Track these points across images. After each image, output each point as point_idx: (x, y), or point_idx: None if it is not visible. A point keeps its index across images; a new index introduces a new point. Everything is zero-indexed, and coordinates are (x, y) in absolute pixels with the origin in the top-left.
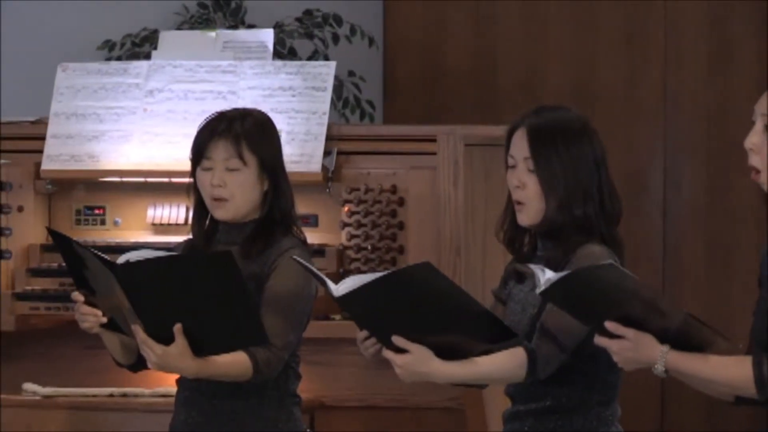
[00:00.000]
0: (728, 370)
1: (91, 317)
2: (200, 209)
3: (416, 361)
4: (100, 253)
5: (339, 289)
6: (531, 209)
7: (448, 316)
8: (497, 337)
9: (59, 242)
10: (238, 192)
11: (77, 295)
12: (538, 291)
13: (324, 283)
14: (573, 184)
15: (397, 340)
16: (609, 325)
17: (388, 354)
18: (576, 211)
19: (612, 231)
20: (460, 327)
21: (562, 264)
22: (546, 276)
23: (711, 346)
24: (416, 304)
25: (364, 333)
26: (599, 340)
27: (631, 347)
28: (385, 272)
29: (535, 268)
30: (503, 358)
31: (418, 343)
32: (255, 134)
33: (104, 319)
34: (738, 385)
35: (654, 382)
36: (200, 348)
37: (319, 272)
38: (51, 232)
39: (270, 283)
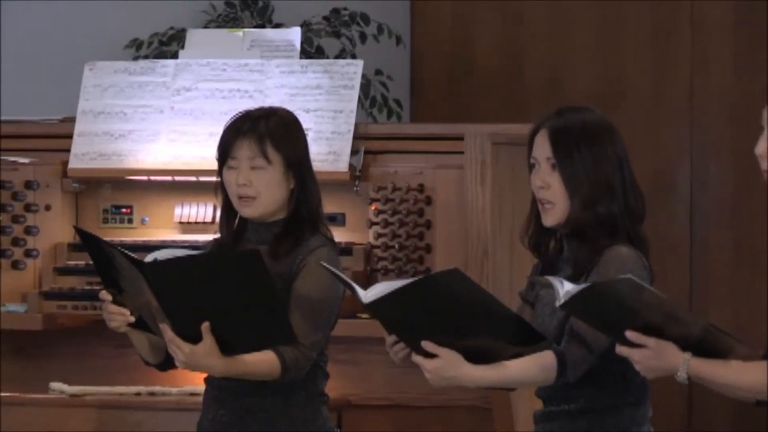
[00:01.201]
0: (748, 376)
1: (119, 316)
2: (228, 208)
3: (446, 365)
4: (128, 252)
5: (368, 295)
6: (556, 209)
7: (477, 321)
8: (526, 340)
9: (87, 241)
10: (264, 190)
11: (105, 294)
12: (557, 304)
13: (353, 289)
14: (597, 183)
15: (427, 345)
16: (630, 334)
17: (417, 359)
18: (600, 209)
19: (637, 229)
20: (489, 331)
21: (589, 266)
22: (565, 289)
23: (731, 353)
24: (445, 310)
25: (393, 338)
26: (621, 350)
27: (653, 356)
28: (414, 279)
29: (554, 281)
30: (533, 361)
31: (447, 348)
32: (280, 133)
33: (132, 318)
34: (758, 389)
35: (681, 383)
36: (228, 346)
37: (347, 279)
38: (78, 230)
39: (298, 282)
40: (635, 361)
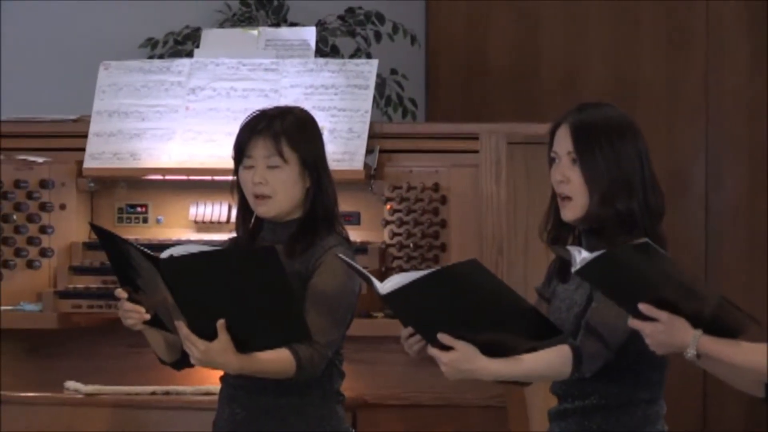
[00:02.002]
0: (759, 356)
1: (134, 314)
2: (244, 208)
3: (462, 358)
4: (143, 248)
5: (385, 286)
6: (575, 204)
7: (494, 314)
8: (543, 334)
9: (103, 238)
10: (279, 189)
11: (121, 292)
12: (573, 270)
13: (369, 281)
14: (616, 179)
15: (443, 338)
16: (643, 307)
17: (433, 351)
18: (619, 205)
19: (655, 226)
20: (506, 324)
21: None
22: (582, 255)
23: (744, 332)
24: (462, 302)
25: (408, 330)
26: (633, 323)
27: (664, 330)
28: (432, 270)
29: (573, 249)
30: (548, 355)
31: (463, 341)
32: (295, 132)
33: (148, 316)
34: (761, 371)
35: (696, 381)
36: (243, 344)
37: (363, 270)
38: (94, 227)
39: (314, 280)
40: (646, 334)
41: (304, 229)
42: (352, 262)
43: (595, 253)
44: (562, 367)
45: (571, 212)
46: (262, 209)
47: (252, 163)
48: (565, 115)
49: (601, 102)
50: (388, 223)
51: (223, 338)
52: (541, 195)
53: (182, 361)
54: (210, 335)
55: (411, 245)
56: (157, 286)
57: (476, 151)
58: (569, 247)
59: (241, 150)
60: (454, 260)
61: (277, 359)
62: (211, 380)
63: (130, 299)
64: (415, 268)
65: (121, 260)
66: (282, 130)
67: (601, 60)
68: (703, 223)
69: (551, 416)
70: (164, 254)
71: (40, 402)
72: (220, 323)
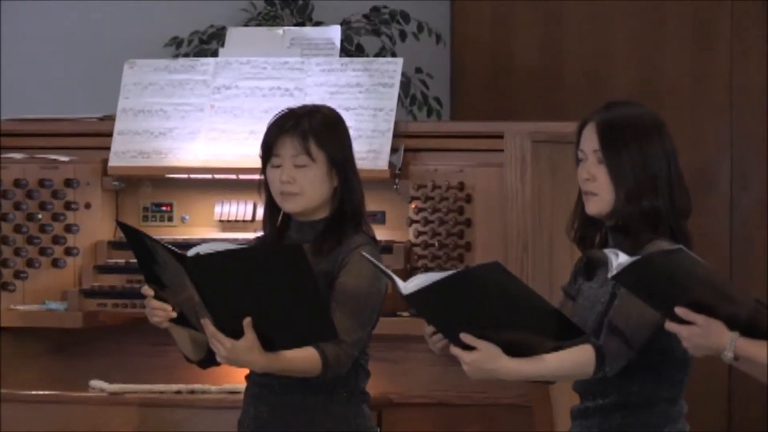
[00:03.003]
0: None
1: (160, 311)
2: (271, 206)
3: (484, 358)
4: (170, 246)
5: (408, 286)
6: (599, 199)
7: (517, 314)
8: (566, 335)
9: (129, 235)
10: (307, 188)
11: (147, 290)
12: (609, 275)
13: (393, 281)
14: (642, 177)
15: (466, 338)
16: (679, 310)
17: (456, 351)
18: (644, 203)
19: (681, 225)
20: (529, 325)
21: None
22: (619, 260)
23: None
24: (485, 302)
25: (432, 328)
26: (670, 326)
27: (701, 333)
28: (454, 271)
29: (609, 253)
30: (571, 354)
31: (486, 341)
32: (323, 131)
33: (174, 314)
34: None
35: (721, 381)
36: (269, 342)
37: (387, 270)
38: (121, 225)
39: (340, 279)
40: (683, 337)
41: (331, 228)
42: (376, 262)
43: (632, 259)
44: (585, 367)
45: (595, 206)
46: (288, 205)
47: (279, 162)
48: (592, 114)
49: (630, 101)
50: (413, 222)
51: (250, 336)
52: (566, 193)
53: (208, 360)
54: (236, 333)
55: (436, 244)
56: (183, 284)
57: (501, 150)
58: (606, 250)
59: (268, 148)
60: (479, 259)
61: (304, 358)
62: (236, 379)
63: (157, 297)
64: (441, 267)
65: (147, 258)
66: (310, 129)
67: (626, 58)
68: (728, 222)
69: (573, 414)
70: (191, 252)
71: (65, 401)
72: (247, 321)
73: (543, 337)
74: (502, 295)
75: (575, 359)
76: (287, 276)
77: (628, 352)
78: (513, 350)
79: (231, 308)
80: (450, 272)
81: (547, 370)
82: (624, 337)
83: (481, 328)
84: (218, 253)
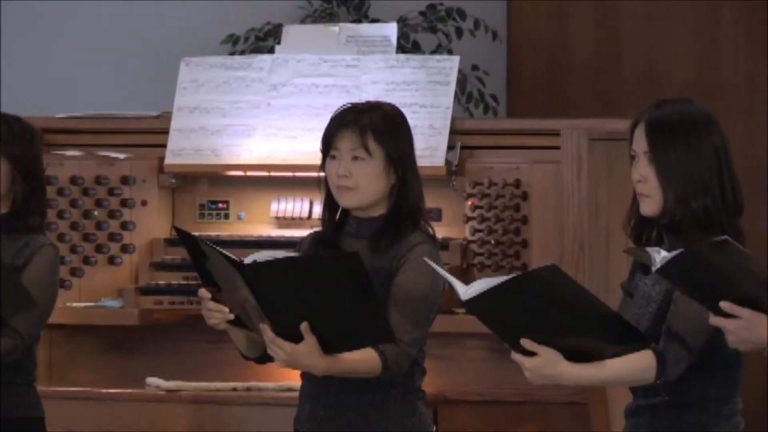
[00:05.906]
0: None
1: (218, 314)
2: (330, 201)
3: (545, 363)
4: (226, 252)
5: (467, 292)
6: (652, 200)
7: (576, 319)
8: (625, 339)
9: (185, 240)
10: (363, 182)
11: (204, 292)
12: (653, 269)
13: (453, 286)
14: (691, 178)
15: (526, 343)
16: (724, 305)
17: (516, 357)
18: (694, 204)
19: (733, 223)
20: (588, 329)
21: None
22: (661, 255)
23: None
24: (543, 307)
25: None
26: (714, 320)
27: (746, 326)
28: (512, 276)
29: (651, 251)
30: (632, 360)
31: (546, 346)
32: (382, 127)
33: (231, 316)
34: None
35: (761, 381)
36: (328, 345)
37: (448, 275)
38: (177, 230)
39: (399, 278)
40: (728, 331)
41: (389, 225)
42: (436, 266)
43: (674, 252)
44: (646, 373)
45: (648, 208)
46: (345, 200)
47: (337, 155)
48: (643, 113)
49: (681, 97)
50: (469, 219)
51: (310, 340)
52: (622, 191)
53: (265, 357)
54: (294, 337)
55: (492, 241)
56: (238, 288)
57: (557, 147)
58: (648, 249)
59: (328, 142)
60: (535, 257)
61: (363, 359)
62: (292, 376)
63: (213, 299)
64: (497, 265)
65: (203, 262)
66: (369, 124)
67: (682, 56)
68: None
69: (627, 412)
70: (247, 260)
71: (122, 398)
72: (305, 326)
73: (603, 342)
74: (560, 298)
75: (636, 365)
76: (344, 283)
77: (689, 357)
78: (573, 355)
79: (289, 313)
80: (507, 277)
81: (608, 375)
82: (684, 343)
83: (542, 332)
84: (275, 261)
